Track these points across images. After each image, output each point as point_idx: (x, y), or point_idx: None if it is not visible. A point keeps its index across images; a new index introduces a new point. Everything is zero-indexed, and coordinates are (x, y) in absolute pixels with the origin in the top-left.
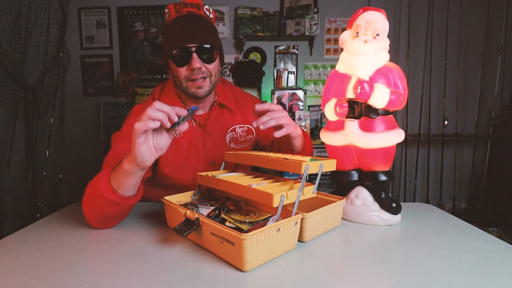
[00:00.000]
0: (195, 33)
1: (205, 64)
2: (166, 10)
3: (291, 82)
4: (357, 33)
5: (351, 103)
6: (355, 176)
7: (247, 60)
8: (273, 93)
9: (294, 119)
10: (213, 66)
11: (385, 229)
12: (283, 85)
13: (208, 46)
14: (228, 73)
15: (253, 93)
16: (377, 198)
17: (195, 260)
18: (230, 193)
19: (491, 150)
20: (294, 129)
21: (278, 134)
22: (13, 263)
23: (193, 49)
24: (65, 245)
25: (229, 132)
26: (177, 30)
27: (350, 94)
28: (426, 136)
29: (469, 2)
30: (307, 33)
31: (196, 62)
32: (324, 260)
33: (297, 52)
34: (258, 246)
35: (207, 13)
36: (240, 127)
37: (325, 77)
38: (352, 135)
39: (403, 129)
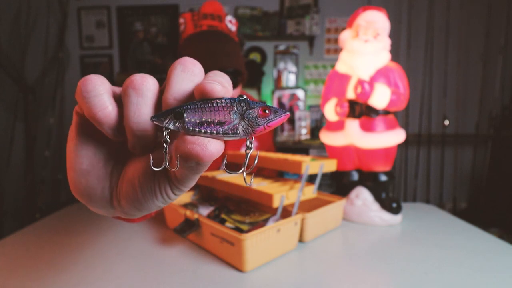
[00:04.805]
0: (218, 55)
1: None
2: (181, 20)
3: (291, 82)
4: (358, 32)
5: (352, 103)
6: (355, 176)
7: (247, 60)
8: (273, 93)
9: (294, 119)
10: (236, 92)
11: (385, 229)
12: (283, 85)
13: (232, 70)
14: None
15: (253, 93)
16: (377, 198)
17: (195, 261)
18: (230, 193)
19: (492, 150)
20: None
21: None
22: (12, 264)
23: None
24: (65, 246)
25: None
26: (197, 50)
27: (350, 94)
28: (426, 136)
29: (469, 2)
30: (307, 33)
31: None
32: (324, 261)
33: (297, 52)
34: (258, 247)
35: (230, 25)
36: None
37: (325, 77)
38: (352, 135)
39: (403, 129)
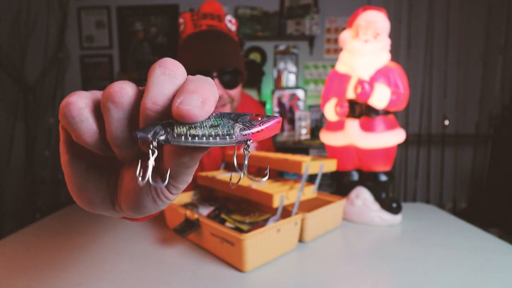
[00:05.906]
0: (217, 55)
1: (227, 90)
2: (181, 20)
3: (291, 82)
4: (358, 32)
5: (352, 103)
6: (355, 176)
7: (247, 60)
8: (273, 93)
9: (294, 119)
10: (236, 92)
11: (385, 229)
12: (283, 85)
13: (231, 69)
14: None
15: (253, 93)
16: (377, 198)
17: (195, 261)
18: (230, 193)
19: (492, 150)
20: None
21: None
22: (12, 264)
23: (215, 73)
24: (65, 246)
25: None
26: (197, 50)
27: (350, 94)
28: (426, 136)
29: (469, 2)
30: (307, 33)
31: (218, 89)
32: (324, 261)
33: (297, 52)
34: (258, 247)
35: (229, 25)
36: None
37: (325, 77)
38: (352, 135)
39: (403, 129)
